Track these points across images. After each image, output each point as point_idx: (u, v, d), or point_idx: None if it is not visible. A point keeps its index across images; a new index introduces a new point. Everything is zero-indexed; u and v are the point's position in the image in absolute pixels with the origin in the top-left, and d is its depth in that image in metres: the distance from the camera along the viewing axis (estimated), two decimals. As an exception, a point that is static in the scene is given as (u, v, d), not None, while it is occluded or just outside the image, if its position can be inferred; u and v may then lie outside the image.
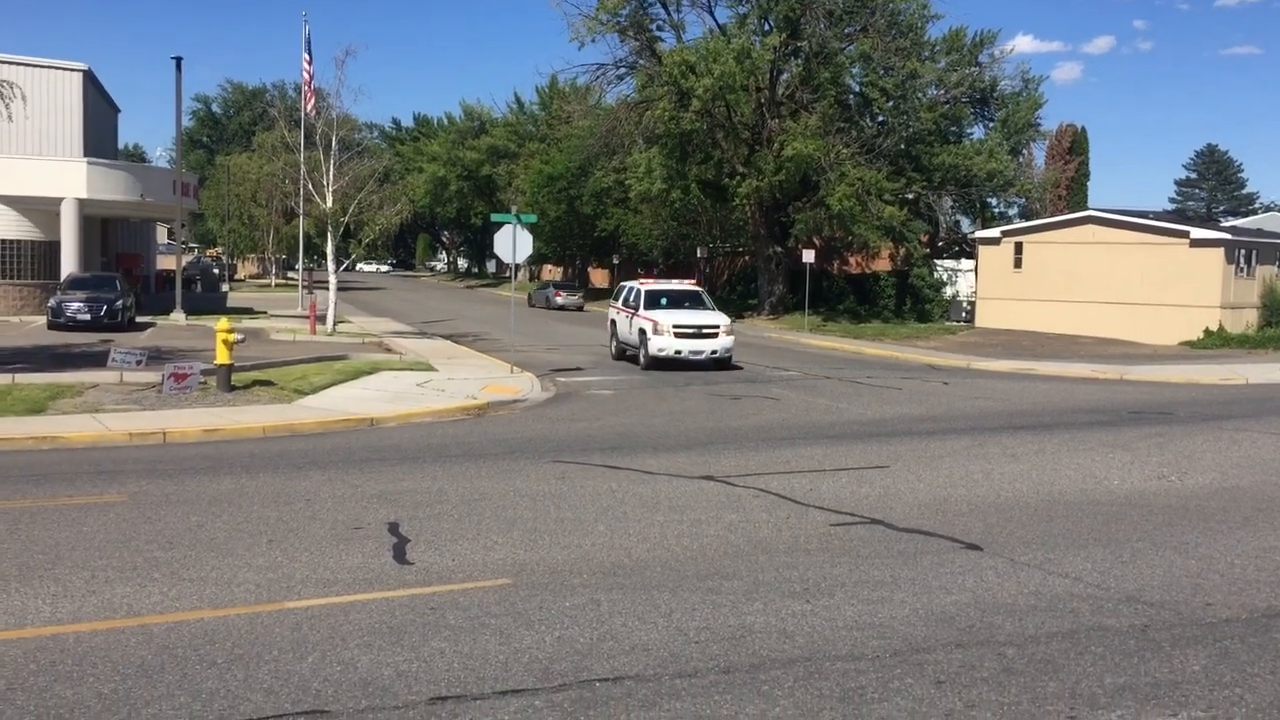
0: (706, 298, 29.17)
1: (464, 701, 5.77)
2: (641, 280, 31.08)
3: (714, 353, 26.31)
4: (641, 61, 48.04)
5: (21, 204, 37.88)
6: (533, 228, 28.43)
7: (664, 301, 27.65)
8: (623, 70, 49.19)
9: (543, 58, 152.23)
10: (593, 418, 18.17)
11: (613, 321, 29.73)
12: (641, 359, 26.73)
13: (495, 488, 11.67)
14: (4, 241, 38.20)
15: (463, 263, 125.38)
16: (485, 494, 11.30)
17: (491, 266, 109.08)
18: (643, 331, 26.69)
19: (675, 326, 26.09)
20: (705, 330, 26.35)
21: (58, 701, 5.71)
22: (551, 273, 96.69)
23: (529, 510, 10.47)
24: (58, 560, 8.39)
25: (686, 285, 30.06)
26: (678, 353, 25.96)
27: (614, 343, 29.48)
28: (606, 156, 53.24)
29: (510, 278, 31.93)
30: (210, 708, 5.65)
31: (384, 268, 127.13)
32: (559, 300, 57.41)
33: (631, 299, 28.31)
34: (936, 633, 6.98)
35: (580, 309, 56.56)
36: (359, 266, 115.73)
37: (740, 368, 27.09)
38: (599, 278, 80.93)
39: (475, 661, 6.34)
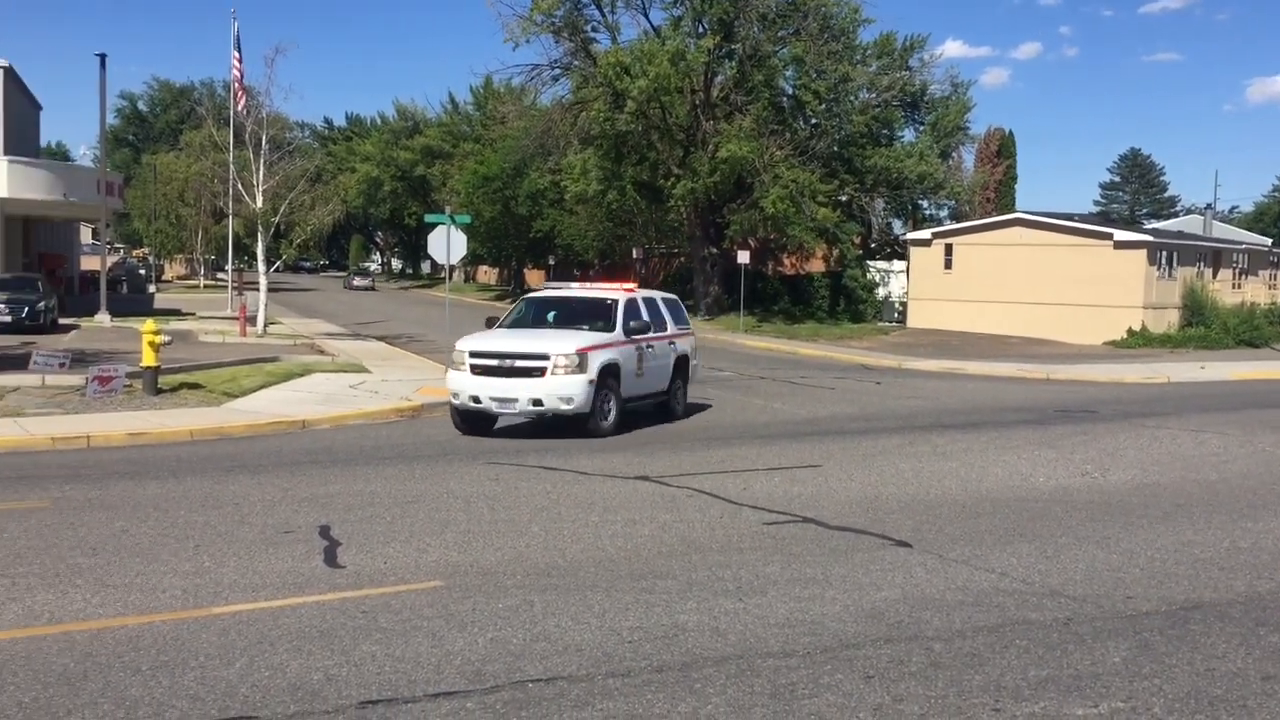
0: (622, 312, 17.26)
1: (395, 705, 5.73)
2: (546, 285, 22.82)
3: (537, 402, 15.80)
4: (576, 62, 47.96)
5: (-62, 203, 36.88)
6: (467, 228, 28.27)
7: (552, 316, 17.97)
8: (557, 71, 49.10)
9: (477, 58, 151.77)
10: (527, 419, 18.09)
11: None
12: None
13: (428, 490, 11.59)
14: (-79, 241, 37.19)
15: (397, 263, 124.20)
16: (418, 496, 11.23)
17: (426, 267, 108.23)
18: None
19: (474, 355, 16.23)
20: (520, 365, 15.90)
21: (-25, 712, 5.57)
22: (487, 274, 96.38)
23: (462, 512, 10.42)
24: (-24, 568, 8.19)
25: (602, 293, 18.43)
26: (475, 400, 16.08)
27: None
28: (542, 157, 53.11)
29: (445, 278, 31.58)
30: (134, 715, 5.55)
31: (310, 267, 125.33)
32: (356, 283, 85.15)
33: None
34: (866, 629, 7.07)
35: (371, 289, 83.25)
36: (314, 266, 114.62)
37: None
38: (535, 278, 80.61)
39: (406, 664, 6.30)
